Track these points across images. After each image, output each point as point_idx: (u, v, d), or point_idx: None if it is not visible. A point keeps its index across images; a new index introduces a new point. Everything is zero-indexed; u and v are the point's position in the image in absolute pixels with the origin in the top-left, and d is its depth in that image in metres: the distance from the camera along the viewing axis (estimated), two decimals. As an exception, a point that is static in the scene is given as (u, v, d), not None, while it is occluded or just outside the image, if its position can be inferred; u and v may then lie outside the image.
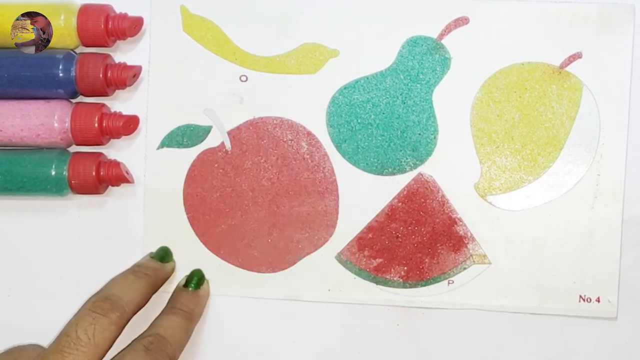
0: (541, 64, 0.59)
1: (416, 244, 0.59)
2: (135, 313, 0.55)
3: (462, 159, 0.59)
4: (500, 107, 0.59)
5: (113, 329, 0.53)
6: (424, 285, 0.59)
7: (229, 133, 0.60)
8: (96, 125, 0.58)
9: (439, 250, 0.59)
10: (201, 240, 0.60)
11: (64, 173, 0.58)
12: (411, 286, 0.59)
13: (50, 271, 0.61)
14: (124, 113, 0.59)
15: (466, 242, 0.59)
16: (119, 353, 0.54)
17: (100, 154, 0.59)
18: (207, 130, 0.60)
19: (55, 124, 0.58)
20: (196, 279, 0.59)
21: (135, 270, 0.57)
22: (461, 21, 0.59)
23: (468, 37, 0.59)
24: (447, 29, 0.59)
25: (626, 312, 0.59)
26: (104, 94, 0.59)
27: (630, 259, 0.58)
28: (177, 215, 0.60)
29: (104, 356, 0.53)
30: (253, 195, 0.60)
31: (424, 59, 0.59)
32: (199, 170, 0.60)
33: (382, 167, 0.59)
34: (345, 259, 0.59)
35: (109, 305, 0.54)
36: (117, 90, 0.60)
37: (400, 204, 0.59)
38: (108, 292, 0.55)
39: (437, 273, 0.59)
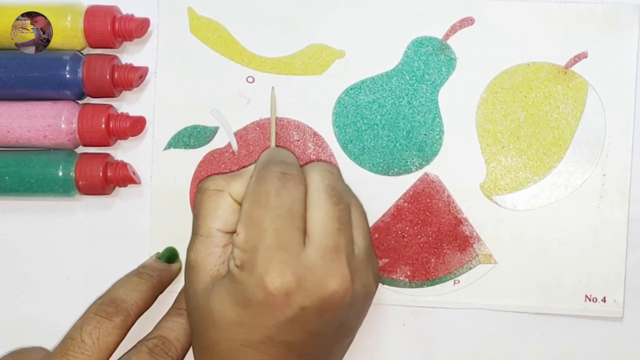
0: (546, 64, 0.59)
1: (422, 243, 0.59)
2: (140, 315, 0.55)
3: (467, 159, 0.59)
4: (505, 107, 0.59)
5: (117, 332, 0.53)
6: (430, 285, 0.59)
7: (235, 134, 0.60)
8: (103, 126, 0.58)
9: (444, 250, 0.59)
10: (208, 241, 0.60)
11: (71, 174, 0.58)
12: (417, 286, 0.59)
13: (58, 271, 0.61)
14: (131, 114, 0.60)
15: (472, 241, 0.59)
16: (123, 355, 0.54)
17: (107, 155, 0.59)
18: (213, 131, 0.60)
19: (63, 125, 0.58)
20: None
21: (140, 272, 0.57)
22: (466, 21, 0.59)
23: (473, 38, 0.59)
24: (453, 30, 0.59)
25: (632, 312, 0.59)
26: (110, 95, 0.59)
27: (636, 258, 0.58)
28: (183, 216, 0.60)
29: (108, 359, 0.53)
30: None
31: (430, 60, 0.59)
32: (206, 171, 0.60)
33: (388, 168, 0.59)
34: (352, 259, 0.59)
35: (113, 309, 0.54)
36: (123, 92, 0.60)
37: (406, 204, 0.59)
38: (113, 295, 0.55)
39: (443, 273, 0.59)
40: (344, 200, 0.53)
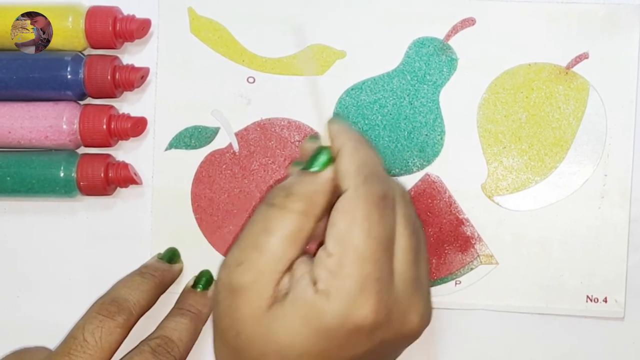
0: (548, 65, 0.59)
1: (423, 244, 0.59)
2: (142, 315, 0.55)
3: (469, 160, 0.59)
4: (507, 108, 0.59)
5: (120, 331, 0.53)
6: (431, 286, 0.59)
7: (236, 134, 0.60)
8: (104, 127, 0.58)
9: (446, 251, 0.59)
10: (209, 241, 0.60)
11: (73, 175, 0.58)
12: (418, 286, 0.59)
13: (59, 272, 0.61)
14: (132, 115, 0.60)
15: (473, 242, 0.59)
16: (126, 355, 0.54)
17: (108, 155, 0.59)
18: (214, 132, 0.60)
19: (64, 126, 0.58)
20: (204, 280, 0.59)
21: (142, 271, 0.57)
22: (468, 22, 0.59)
23: (475, 38, 0.59)
24: (454, 30, 0.59)
25: (633, 312, 0.59)
26: (112, 95, 0.59)
27: (637, 258, 0.58)
28: (185, 217, 0.60)
29: (110, 358, 0.53)
30: (261, 197, 0.60)
31: (431, 60, 0.59)
32: (207, 171, 0.60)
33: (389, 168, 0.59)
34: (353, 259, 0.59)
35: (115, 308, 0.54)
36: (125, 92, 0.60)
37: (407, 205, 0.59)
38: (115, 294, 0.55)
39: (444, 273, 0.59)
40: (417, 229, 0.51)
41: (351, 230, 0.47)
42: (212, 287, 0.59)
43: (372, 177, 0.49)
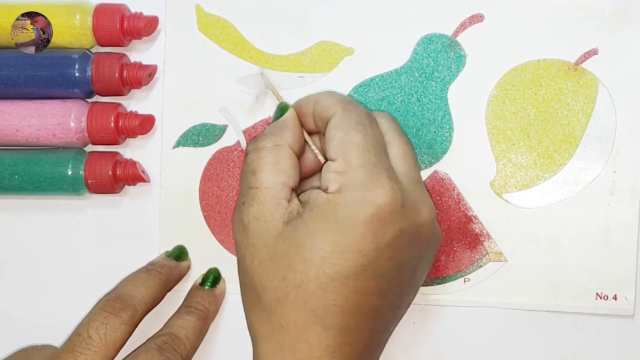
0: (557, 61, 0.58)
1: (432, 241, 0.59)
2: (147, 312, 0.55)
3: (477, 157, 0.59)
4: (515, 105, 0.59)
5: (124, 328, 0.53)
6: (440, 283, 0.59)
7: (244, 132, 0.60)
8: (112, 124, 0.58)
9: (454, 248, 0.59)
10: (217, 239, 0.60)
11: (81, 172, 0.58)
12: (427, 284, 0.59)
13: (67, 270, 0.61)
14: (140, 112, 0.60)
15: (482, 239, 0.59)
16: (132, 352, 0.54)
17: (116, 153, 0.59)
18: (222, 129, 0.60)
19: (72, 124, 0.58)
20: (212, 278, 0.59)
21: (148, 268, 0.57)
22: (476, 18, 0.59)
23: (483, 34, 0.59)
24: (462, 26, 0.59)
25: (643, 310, 0.59)
26: (119, 93, 0.59)
27: (647, 256, 0.58)
28: (193, 214, 0.60)
29: (115, 355, 0.53)
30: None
31: (439, 57, 0.59)
32: (215, 169, 0.60)
33: (397, 165, 0.59)
34: (361, 257, 0.59)
35: (120, 305, 0.54)
36: (132, 90, 0.60)
37: (415, 202, 0.59)
38: (120, 291, 0.55)
39: (453, 271, 0.59)
40: (409, 142, 0.55)
41: (348, 134, 0.52)
42: (219, 285, 0.59)
43: (352, 101, 0.54)
